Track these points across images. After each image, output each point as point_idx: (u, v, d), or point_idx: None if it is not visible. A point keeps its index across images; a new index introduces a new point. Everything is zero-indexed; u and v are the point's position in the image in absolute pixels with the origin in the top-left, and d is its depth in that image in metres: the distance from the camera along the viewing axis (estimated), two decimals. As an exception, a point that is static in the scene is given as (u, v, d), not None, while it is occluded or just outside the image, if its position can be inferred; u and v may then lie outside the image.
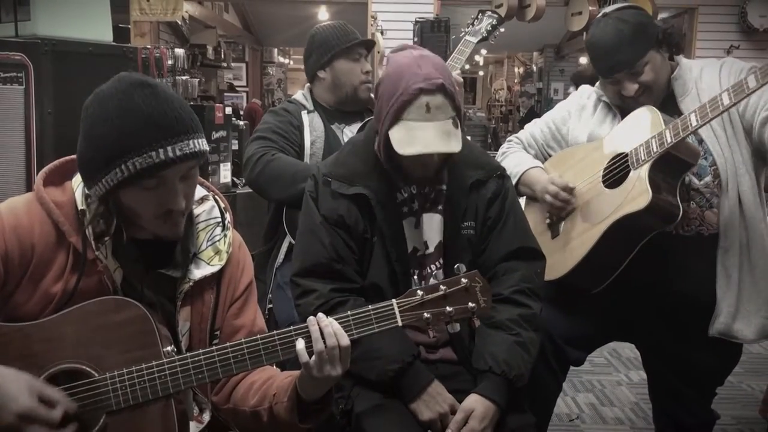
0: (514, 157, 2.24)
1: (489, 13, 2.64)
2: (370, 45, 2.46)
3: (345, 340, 1.34)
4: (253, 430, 1.50)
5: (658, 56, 1.95)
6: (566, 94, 10.61)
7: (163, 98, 1.28)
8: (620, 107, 2.06)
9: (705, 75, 1.97)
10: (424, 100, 1.57)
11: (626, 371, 3.75)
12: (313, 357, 1.33)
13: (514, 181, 2.13)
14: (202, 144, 1.32)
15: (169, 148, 1.26)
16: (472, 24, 2.62)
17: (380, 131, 1.65)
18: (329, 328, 1.34)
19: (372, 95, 2.47)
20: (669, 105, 1.98)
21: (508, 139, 2.37)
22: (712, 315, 1.96)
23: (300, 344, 1.33)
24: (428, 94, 1.57)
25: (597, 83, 2.14)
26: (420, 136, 1.57)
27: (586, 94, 2.19)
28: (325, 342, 1.33)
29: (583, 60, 12.22)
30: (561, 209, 2.08)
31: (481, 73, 20.07)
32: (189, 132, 1.29)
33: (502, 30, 2.65)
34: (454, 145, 1.59)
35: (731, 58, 2.02)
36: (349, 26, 2.45)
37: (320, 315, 1.36)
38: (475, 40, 2.56)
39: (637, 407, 3.29)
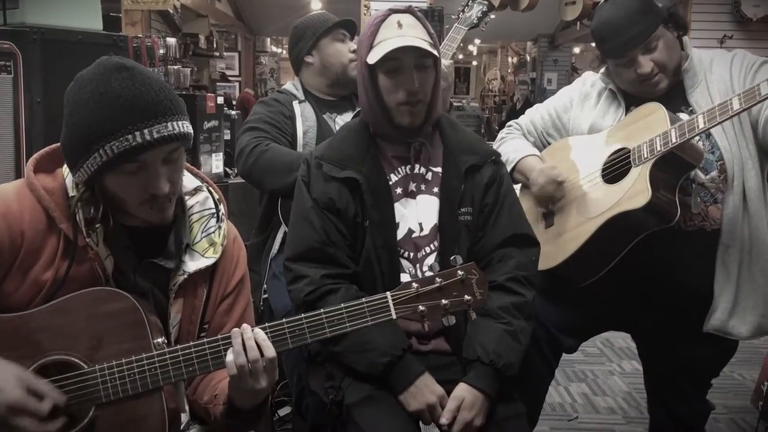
0: (513, 143, 2.21)
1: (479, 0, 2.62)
2: (350, 25, 2.46)
3: (270, 352, 1.29)
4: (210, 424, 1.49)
5: (669, 34, 1.92)
6: (560, 85, 10.60)
7: (140, 81, 1.26)
8: (627, 97, 2.02)
9: (715, 67, 1.94)
10: (394, 19, 1.66)
11: (619, 361, 3.77)
12: (235, 370, 1.28)
13: (509, 168, 2.12)
14: (182, 126, 1.29)
15: (146, 131, 1.24)
16: (462, 11, 2.61)
17: (362, 69, 1.70)
18: (251, 341, 1.28)
19: None
20: (678, 96, 1.95)
21: (507, 124, 2.34)
22: (709, 310, 1.94)
23: (229, 356, 1.28)
24: (398, 13, 1.67)
25: (602, 71, 2.10)
26: (390, 44, 1.62)
27: (590, 81, 2.15)
28: (246, 355, 1.28)
29: (577, 50, 12.21)
30: (547, 200, 2.07)
31: (474, 63, 20.05)
32: (167, 114, 1.27)
33: (492, 17, 2.63)
34: (425, 45, 1.62)
35: (742, 51, 1.98)
36: (328, 13, 2.49)
37: (245, 326, 1.31)
38: (465, 27, 2.54)
39: (630, 397, 3.30)
